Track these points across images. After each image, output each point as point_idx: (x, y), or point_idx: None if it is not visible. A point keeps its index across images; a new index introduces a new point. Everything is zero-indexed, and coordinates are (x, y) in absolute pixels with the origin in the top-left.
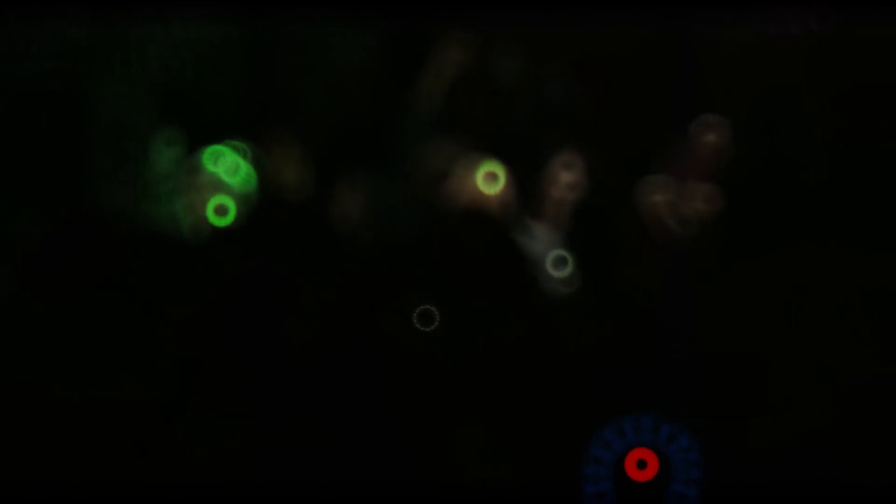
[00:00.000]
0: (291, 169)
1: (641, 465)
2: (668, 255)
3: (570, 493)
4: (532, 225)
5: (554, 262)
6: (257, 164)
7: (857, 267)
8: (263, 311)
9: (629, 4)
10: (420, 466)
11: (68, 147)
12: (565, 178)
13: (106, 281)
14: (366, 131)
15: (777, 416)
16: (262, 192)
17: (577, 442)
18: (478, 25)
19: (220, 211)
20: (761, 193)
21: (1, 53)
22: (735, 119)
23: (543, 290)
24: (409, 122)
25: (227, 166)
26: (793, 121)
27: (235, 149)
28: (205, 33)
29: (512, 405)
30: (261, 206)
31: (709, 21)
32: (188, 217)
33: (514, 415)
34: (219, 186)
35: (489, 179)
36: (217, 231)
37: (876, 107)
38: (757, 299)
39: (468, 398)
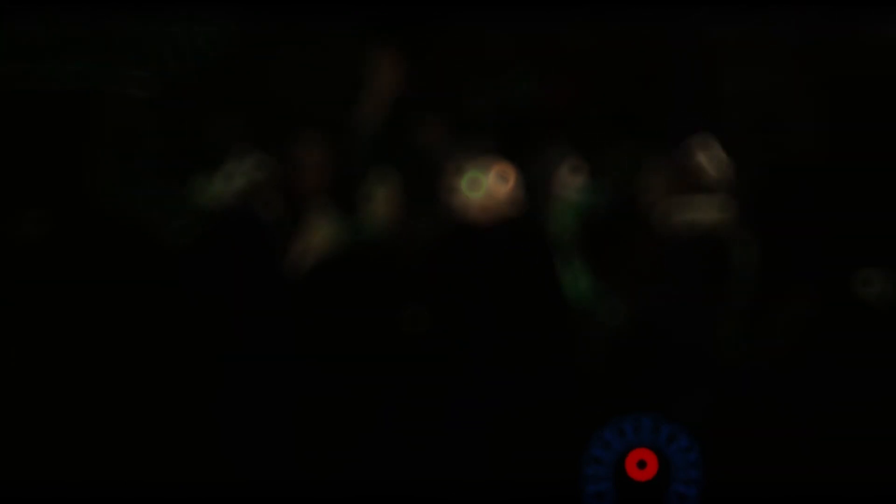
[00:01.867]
0: (312, 172)
1: (641, 465)
2: (675, 260)
3: (570, 493)
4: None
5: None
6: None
7: (861, 270)
8: (264, 310)
9: (628, 4)
10: (420, 466)
11: (72, 146)
12: (573, 181)
13: (106, 280)
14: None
15: (780, 417)
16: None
17: (577, 442)
18: (477, 25)
19: (474, 185)
20: (763, 195)
21: (3, 53)
22: (737, 120)
23: (549, 293)
24: (358, 147)
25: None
26: (793, 121)
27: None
28: (208, 33)
29: (512, 405)
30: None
31: (708, 20)
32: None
33: (514, 414)
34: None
35: (501, 177)
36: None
37: (875, 104)
38: (759, 302)
39: (469, 398)
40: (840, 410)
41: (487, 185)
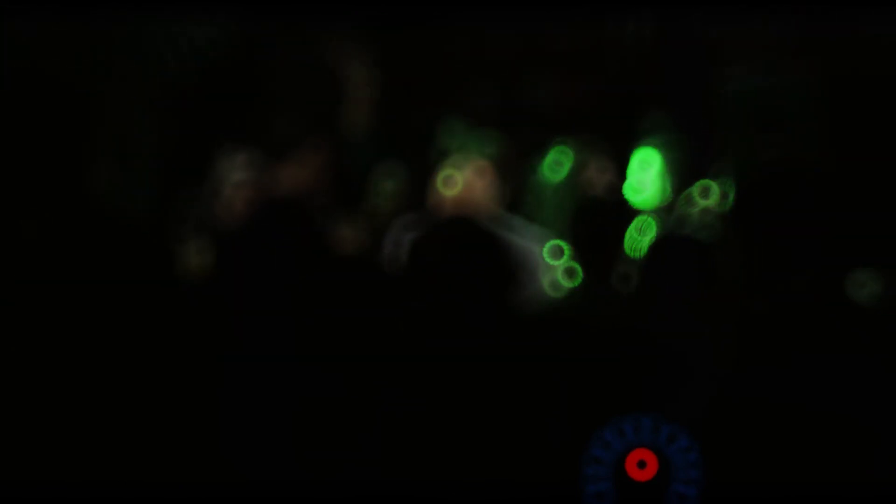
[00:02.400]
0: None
1: (641, 465)
2: (671, 255)
3: (571, 493)
4: (522, 223)
5: (549, 251)
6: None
7: (859, 271)
8: (265, 311)
9: (628, 4)
10: (420, 466)
11: (71, 147)
12: (601, 180)
13: (105, 281)
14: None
15: (779, 416)
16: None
17: (577, 442)
18: (474, 24)
19: (449, 182)
20: (762, 194)
21: (3, 53)
22: (737, 119)
23: (543, 290)
24: (358, 147)
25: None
26: (792, 121)
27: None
28: (207, 33)
29: (513, 405)
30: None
31: (708, 20)
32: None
33: (514, 414)
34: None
35: (448, 182)
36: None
37: (874, 104)
38: (758, 300)
39: (468, 398)
40: (840, 411)
41: (463, 183)
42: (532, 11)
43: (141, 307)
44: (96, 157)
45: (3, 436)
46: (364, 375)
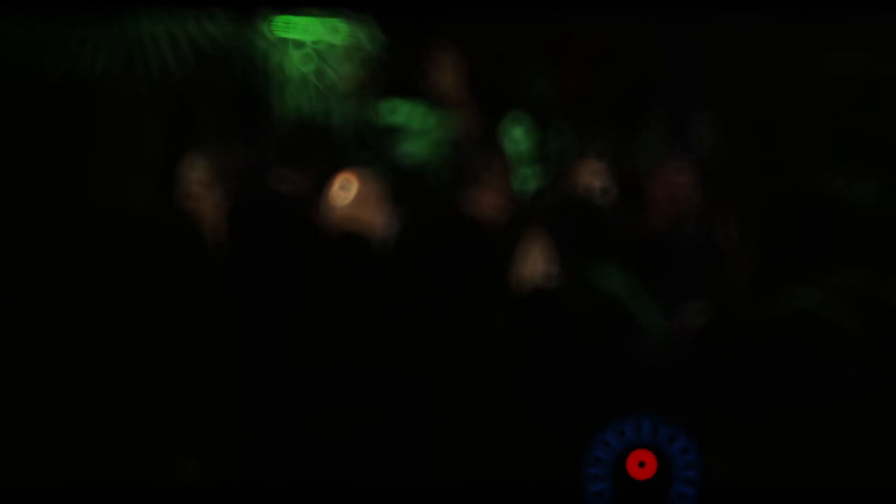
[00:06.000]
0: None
1: (641, 465)
2: (669, 253)
3: (571, 493)
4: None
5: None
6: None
7: (856, 266)
8: (265, 309)
9: (629, 4)
10: (420, 466)
11: (70, 144)
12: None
13: (105, 279)
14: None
15: (778, 416)
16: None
17: (578, 442)
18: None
19: (345, 187)
20: (758, 192)
21: (3, 51)
22: (735, 119)
23: (542, 288)
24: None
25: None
26: (792, 120)
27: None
28: (206, 31)
29: (512, 404)
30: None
31: (708, 21)
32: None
33: (514, 414)
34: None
35: (343, 187)
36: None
37: (876, 104)
38: (756, 298)
39: (468, 398)
40: (840, 410)
41: (357, 190)
42: (532, 11)
43: (138, 305)
44: (97, 154)
45: (7, 436)
46: (364, 375)
